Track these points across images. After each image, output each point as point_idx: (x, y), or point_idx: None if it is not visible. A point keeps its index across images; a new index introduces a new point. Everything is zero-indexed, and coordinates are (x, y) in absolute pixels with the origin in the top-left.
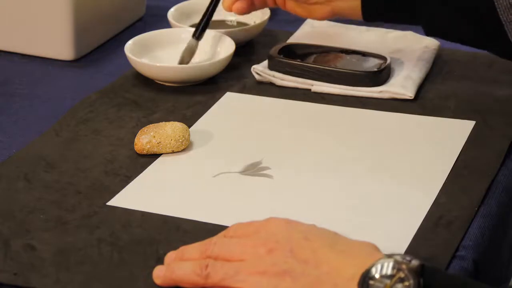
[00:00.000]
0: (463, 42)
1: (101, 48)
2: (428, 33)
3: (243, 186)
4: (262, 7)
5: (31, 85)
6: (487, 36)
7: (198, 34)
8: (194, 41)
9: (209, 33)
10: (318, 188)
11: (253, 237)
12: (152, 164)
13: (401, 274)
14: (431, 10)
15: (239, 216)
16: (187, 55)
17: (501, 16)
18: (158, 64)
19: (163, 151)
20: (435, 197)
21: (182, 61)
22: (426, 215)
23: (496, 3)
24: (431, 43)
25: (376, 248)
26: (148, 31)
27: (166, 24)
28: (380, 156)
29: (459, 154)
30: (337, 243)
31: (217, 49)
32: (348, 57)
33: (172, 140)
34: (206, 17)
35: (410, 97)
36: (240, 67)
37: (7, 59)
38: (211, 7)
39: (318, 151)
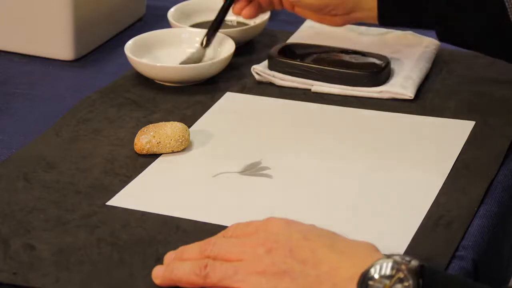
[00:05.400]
0: (475, 49)
1: (101, 48)
2: (441, 40)
3: (242, 186)
4: (269, 9)
5: (31, 85)
6: (500, 43)
7: (206, 43)
8: (201, 49)
9: None
10: (318, 188)
11: (252, 237)
12: (151, 164)
13: (401, 275)
14: (443, 16)
15: (238, 216)
16: (193, 63)
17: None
18: (158, 64)
19: (163, 151)
20: (435, 197)
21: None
22: (426, 215)
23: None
24: (431, 43)
25: (375, 248)
26: (148, 31)
27: (166, 24)
28: (380, 156)
29: (459, 154)
30: (337, 243)
31: (217, 49)
32: (348, 57)
33: (172, 140)
34: (215, 26)
35: (410, 97)
36: (240, 67)
37: (7, 59)
38: (219, 17)
39: (318, 151)
